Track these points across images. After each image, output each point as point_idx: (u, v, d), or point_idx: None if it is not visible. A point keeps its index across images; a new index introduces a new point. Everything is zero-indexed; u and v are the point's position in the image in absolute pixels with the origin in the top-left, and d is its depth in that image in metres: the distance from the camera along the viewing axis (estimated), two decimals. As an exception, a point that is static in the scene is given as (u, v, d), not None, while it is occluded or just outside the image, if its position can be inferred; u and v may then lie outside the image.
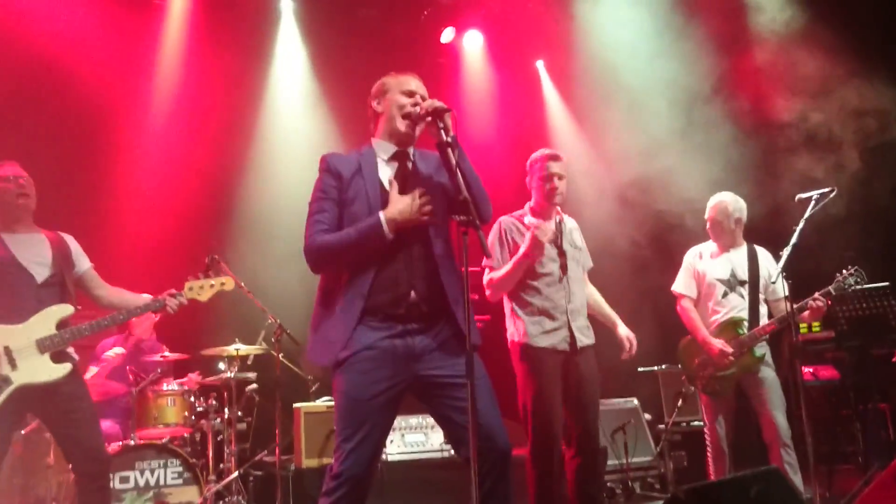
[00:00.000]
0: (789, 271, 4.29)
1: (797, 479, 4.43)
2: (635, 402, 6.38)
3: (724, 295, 4.75)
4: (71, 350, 3.90)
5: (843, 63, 6.11)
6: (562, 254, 4.15)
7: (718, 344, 4.65)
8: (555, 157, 4.21)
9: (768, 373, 4.66)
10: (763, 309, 4.76)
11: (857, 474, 5.58)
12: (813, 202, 4.40)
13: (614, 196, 7.01)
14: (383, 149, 3.13)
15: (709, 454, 4.74)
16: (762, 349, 4.67)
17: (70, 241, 4.08)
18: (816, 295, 4.52)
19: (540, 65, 8.33)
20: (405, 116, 3.08)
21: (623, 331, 4.33)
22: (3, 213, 3.91)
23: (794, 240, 4.31)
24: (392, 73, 3.23)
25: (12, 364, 3.69)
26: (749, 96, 6.58)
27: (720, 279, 4.78)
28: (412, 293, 2.95)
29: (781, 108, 6.38)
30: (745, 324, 4.68)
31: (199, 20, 6.93)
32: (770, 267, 4.79)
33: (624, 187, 6.94)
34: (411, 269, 2.97)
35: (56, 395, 3.77)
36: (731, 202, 4.82)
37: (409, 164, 3.13)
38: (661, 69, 6.79)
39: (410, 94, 3.13)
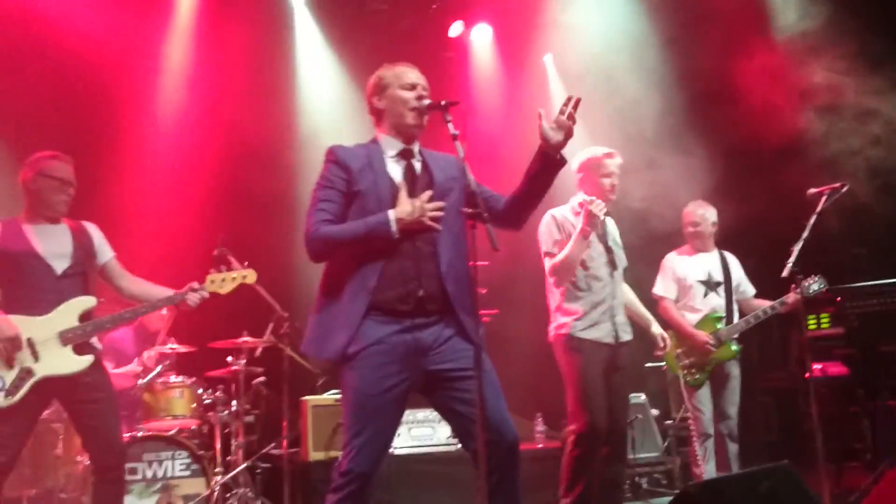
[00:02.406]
0: (801, 267, 4.30)
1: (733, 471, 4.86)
2: (643, 397, 6.36)
3: (705, 295, 5.12)
4: (94, 341, 3.89)
5: (852, 69, 6.08)
6: (608, 250, 4.30)
7: (704, 336, 4.97)
8: (613, 155, 4.34)
9: (735, 370, 5.06)
10: (735, 307, 5.18)
11: (866, 471, 5.56)
12: (825, 198, 4.39)
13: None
14: (390, 145, 3.10)
15: (693, 438, 4.97)
16: (737, 345, 5.05)
17: (93, 230, 4.05)
18: (788, 296, 4.88)
19: (548, 59, 8.30)
20: (412, 110, 3.05)
21: (657, 329, 4.61)
22: (36, 207, 3.89)
23: (805, 234, 4.33)
24: (387, 65, 3.18)
25: (35, 356, 3.70)
26: (753, 101, 6.53)
27: (700, 280, 5.14)
28: (420, 290, 2.94)
29: (787, 114, 6.32)
30: (724, 320, 5.07)
31: (208, 10, 6.91)
32: (739, 270, 5.30)
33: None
34: (419, 265, 2.96)
35: (78, 386, 3.78)
36: (708, 209, 5.23)
37: (418, 163, 3.11)
38: (666, 68, 6.77)
39: (412, 86, 3.09)
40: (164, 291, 4.00)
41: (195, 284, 3.92)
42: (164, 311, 5.58)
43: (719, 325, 5.03)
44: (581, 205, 4.15)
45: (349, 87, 7.35)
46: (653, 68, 6.81)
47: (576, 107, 2.94)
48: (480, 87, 8.00)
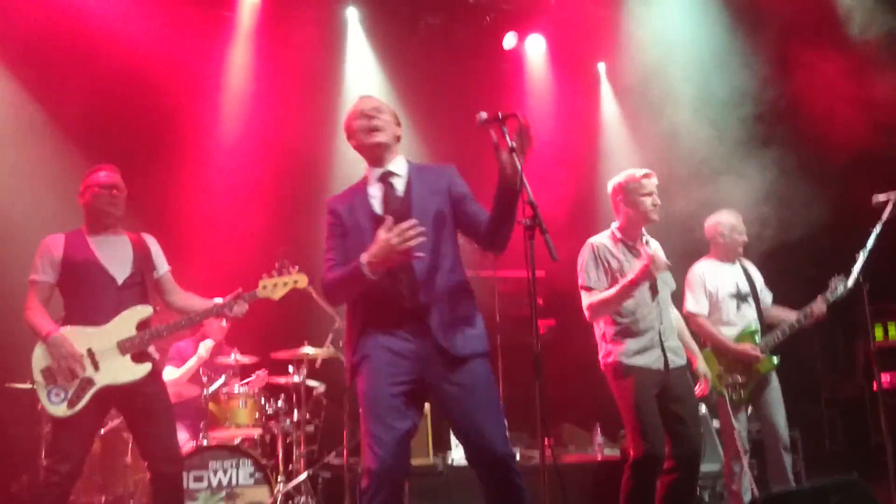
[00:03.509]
0: (866, 275, 4.20)
1: (791, 482, 4.77)
2: (703, 409, 6.26)
3: (738, 308, 4.96)
4: (151, 349, 4.00)
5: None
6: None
7: (748, 347, 4.83)
8: (651, 175, 4.26)
9: (775, 381, 4.92)
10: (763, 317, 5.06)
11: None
12: (891, 205, 4.28)
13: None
14: (372, 174, 3.26)
15: (730, 460, 4.85)
16: (777, 357, 4.89)
17: (151, 242, 4.18)
18: (818, 301, 4.80)
19: (601, 67, 8.29)
20: (366, 132, 3.20)
21: (703, 367, 4.46)
22: (93, 219, 4.03)
23: (870, 243, 4.21)
24: (349, 109, 3.33)
25: (95, 365, 3.82)
26: (817, 113, 6.36)
27: (731, 293, 4.97)
28: (410, 306, 3.04)
29: (852, 126, 6.14)
30: (758, 333, 4.92)
31: (266, 29, 7.10)
32: (760, 278, 5.15)
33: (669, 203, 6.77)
34: (410, 283, 3.06)
35: (137, 395, 3.88)
36: (737, 219, 5.08)
37: (401, 182, 3.20)
38: (723, 79, 6.65)
39: (361, 114, 3.24)
40: (210, 303, 4.10)
41: (240, 291, 4.00)
42: (225, 324, 5.73)
43: (757, 339, 4.91)
44: (647, 257, 3.99)
45: (406, 101, 7.41)
46: (709, 80, 6.70)
47: (525, 140, 2.93)
48: (535, 97, 8.02)
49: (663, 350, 4.11)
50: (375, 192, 3.20)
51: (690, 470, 4.08)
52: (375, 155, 3.24)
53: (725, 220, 5.09)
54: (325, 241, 3.23)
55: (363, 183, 3.27)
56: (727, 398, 4.84)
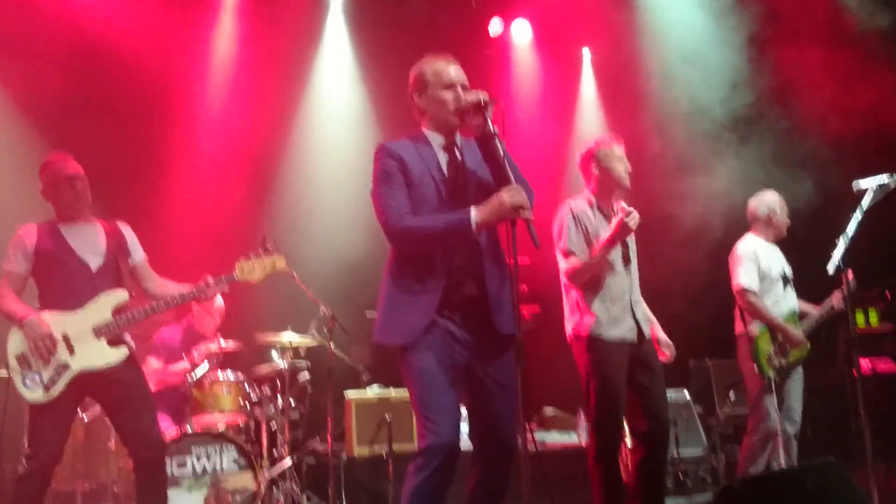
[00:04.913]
0: (847, 261, 4.20)
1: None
2: (686, 394, 6.31)
3: (784, 289, 4.89)
4: (128, 337, 3.98)
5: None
6: (624, 244, 4.09)
7: (799, 334, 4.84)
8: (620, 140, 4.20)
9: (800, 368, 4.96)
10: None
11: (917, 470, 5.44)
12: (871, 191, 4.27)
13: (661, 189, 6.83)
14: (434, 139, 3.17)
15: (755, 441, 4.80)
16: (809, 345, 4.92)
17: (126, 230, 4.15)
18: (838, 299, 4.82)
19: (585, 52, 8.28)
20: (452, 113, 3.11)
21: (662, 336, 4.28)
22: (60, 210, 4.01)
23: (850, 229, 4.21)
24: (428, 59, 3.22)
25: (70, 350, 3.80)
26: (799, 101, 6.36)
27: (781, 274, 4.91)
28: (473, 287, 3.05)
29: (834, 116, 6.15)
30: (797, 316, 4.91)
31: (248, 13, 7.05)
32: None
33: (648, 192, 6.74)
34: (472, 264, 3.06)
35: (114, 382, 3.86)
36: (780, 198, 5.04)
37: (459, 153, 3.17)
38: (706, 68, 6.65)
39: (451, 85, 3.14)
40: (185, 288, 4.04)
41: (210, 279, 3.95)
42: (218, 319, 5.69)
43: (797, 322, 4.90)
44: (621, 211, 3.93)
45: (385, 88, 7.36)
46: (692, 68, 6.70)
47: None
48: (520, 83, 8.01)
49: (635, 320, 4.02)
50: (442, 157, 3.15)
51: (660, 445, 4.00)
52: (451, 131, 3.16)
53: (777, 199, 5.04)
54: (380, 183, 3.08)
55: (425, 141, 3.17)
56: (772, 381, 4.75)
